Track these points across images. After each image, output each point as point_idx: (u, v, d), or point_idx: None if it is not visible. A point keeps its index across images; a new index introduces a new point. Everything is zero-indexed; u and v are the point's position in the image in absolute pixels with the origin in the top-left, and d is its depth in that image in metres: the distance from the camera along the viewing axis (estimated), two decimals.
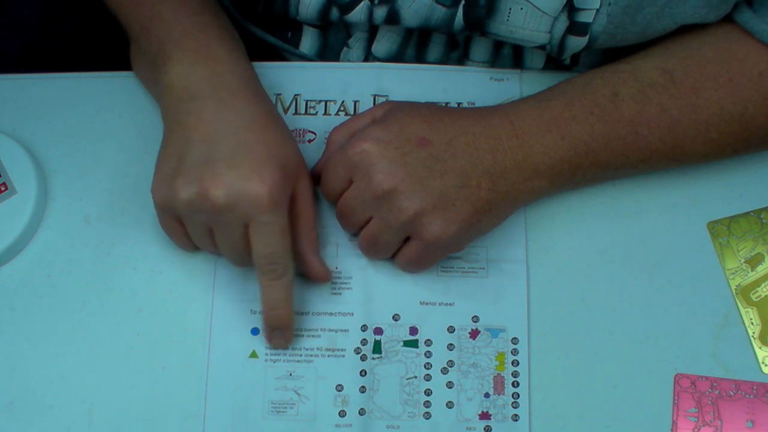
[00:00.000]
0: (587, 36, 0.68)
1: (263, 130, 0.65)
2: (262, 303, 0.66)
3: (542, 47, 0.70)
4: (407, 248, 0.67)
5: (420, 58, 0.76)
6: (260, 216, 0.62)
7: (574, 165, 0.67)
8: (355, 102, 0.75)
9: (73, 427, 0.67)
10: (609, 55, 0.72)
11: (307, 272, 0.68)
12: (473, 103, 0.74)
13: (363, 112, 0.70)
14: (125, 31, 0.72)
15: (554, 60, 0.75)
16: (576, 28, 0.68)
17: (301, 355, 0.69)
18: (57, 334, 0.69)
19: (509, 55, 0.75)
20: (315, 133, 0.74)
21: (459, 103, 0.74)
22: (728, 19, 0.68)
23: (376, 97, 0.75)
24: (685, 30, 0.69)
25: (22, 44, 0.86)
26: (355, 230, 0.69)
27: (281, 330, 0.68)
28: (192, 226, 0.66)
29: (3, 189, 0.71)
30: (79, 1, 0.85)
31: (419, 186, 0.64)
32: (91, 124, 0.75)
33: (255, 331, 0.69)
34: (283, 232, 0.64)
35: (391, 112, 0.68)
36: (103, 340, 0.69)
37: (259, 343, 0.69)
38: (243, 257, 0.66)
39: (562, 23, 0.68)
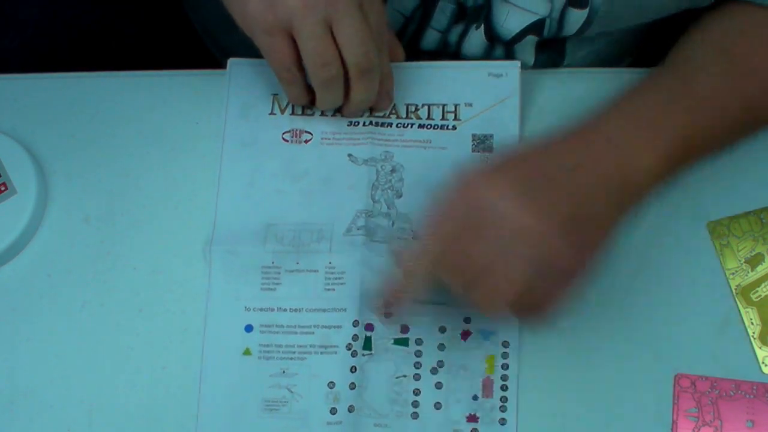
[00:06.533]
0: (587, 8, 0.68)
1: None
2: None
3: (539, 30, 0.70)
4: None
5: (414, 47, 0.76)
6: None
7: (674, 160, 0.64)
8: None
9: (73, 427, 0.68)
10: (606, 57, 0.72)
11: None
12: (470, 104, 0.74)
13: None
14: None
15: (544, 53, 0.74)
16: None
17: (294, 353, 0.68)
18: (57, 334, 0.69)
19: (501, 55, 0.75)
20: (311, 134, 0.74)
21: (456, 104, 0.74)
22: (721, 4, 0.69)
23: None
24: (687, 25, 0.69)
25: (22, 44, 0.86)
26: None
27: None
28: (309, 31, 0.63)
29: (3, 189, 0.71)
30: (79, 2, 0.85)
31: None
32: (91, 124, 0.75)
33: (249, 329, 0.69)
34: None
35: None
36: (103, 340, 0.69)
37: (252, 341, 0.69)
38: (369, 42, 0.64)
39: None
